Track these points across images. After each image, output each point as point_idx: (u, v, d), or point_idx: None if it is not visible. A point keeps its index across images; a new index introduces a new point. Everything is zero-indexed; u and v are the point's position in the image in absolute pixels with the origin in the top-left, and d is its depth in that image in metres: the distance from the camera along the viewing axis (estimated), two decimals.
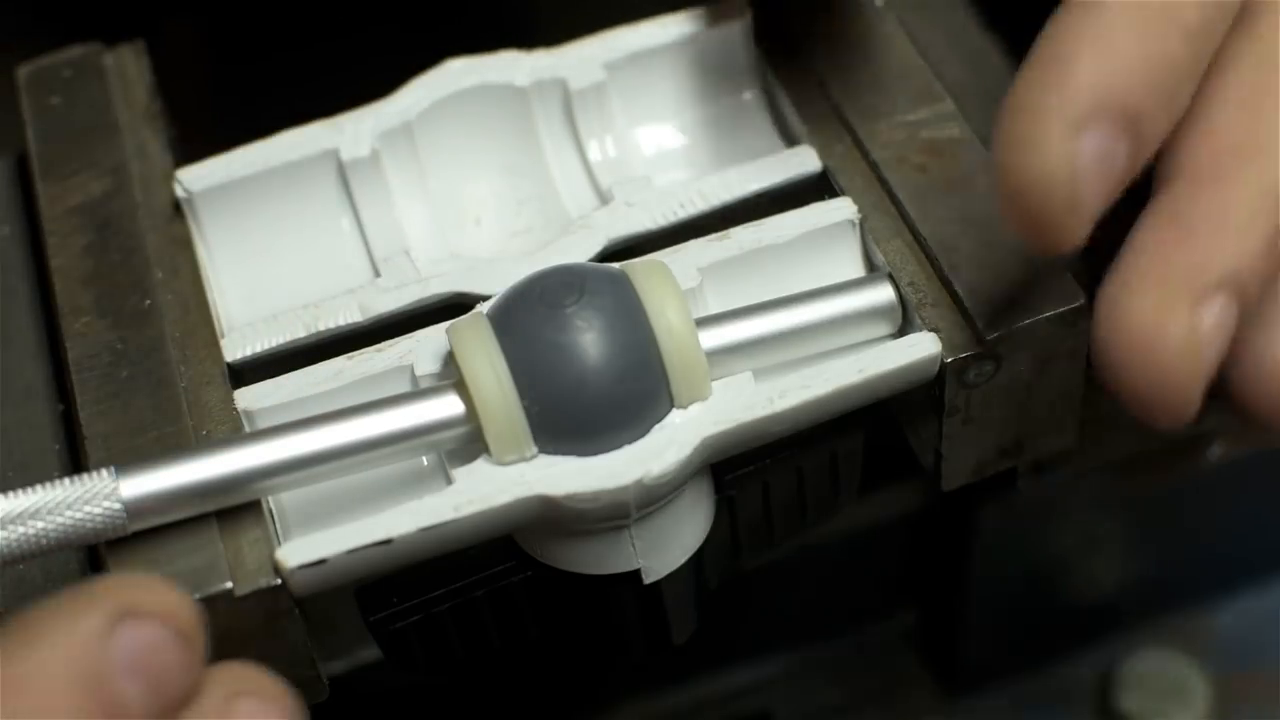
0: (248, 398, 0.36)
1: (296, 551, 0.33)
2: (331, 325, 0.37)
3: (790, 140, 0.40)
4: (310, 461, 0.34)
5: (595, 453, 0.34)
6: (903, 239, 0.37)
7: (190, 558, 0.33)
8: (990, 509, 0.45)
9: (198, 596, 0.32)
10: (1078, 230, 0.30)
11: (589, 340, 0.34)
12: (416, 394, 0.35)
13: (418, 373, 0.36)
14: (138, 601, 0.29)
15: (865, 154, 0.38)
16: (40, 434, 0.37)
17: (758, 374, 0.35)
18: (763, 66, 0.41)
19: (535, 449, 0.34)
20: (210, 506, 0.33)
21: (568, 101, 0.40)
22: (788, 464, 0.37)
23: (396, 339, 0.36)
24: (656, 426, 0.34)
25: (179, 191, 0.39)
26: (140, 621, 0.28)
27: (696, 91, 0.41)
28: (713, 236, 0.38)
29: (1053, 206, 0.30)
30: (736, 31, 0.40)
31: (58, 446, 0.37)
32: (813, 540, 0.42)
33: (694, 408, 0.35)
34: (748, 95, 0.41)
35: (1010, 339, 0.35)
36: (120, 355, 0.36)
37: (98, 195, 0.39)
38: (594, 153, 0.40)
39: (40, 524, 0.32)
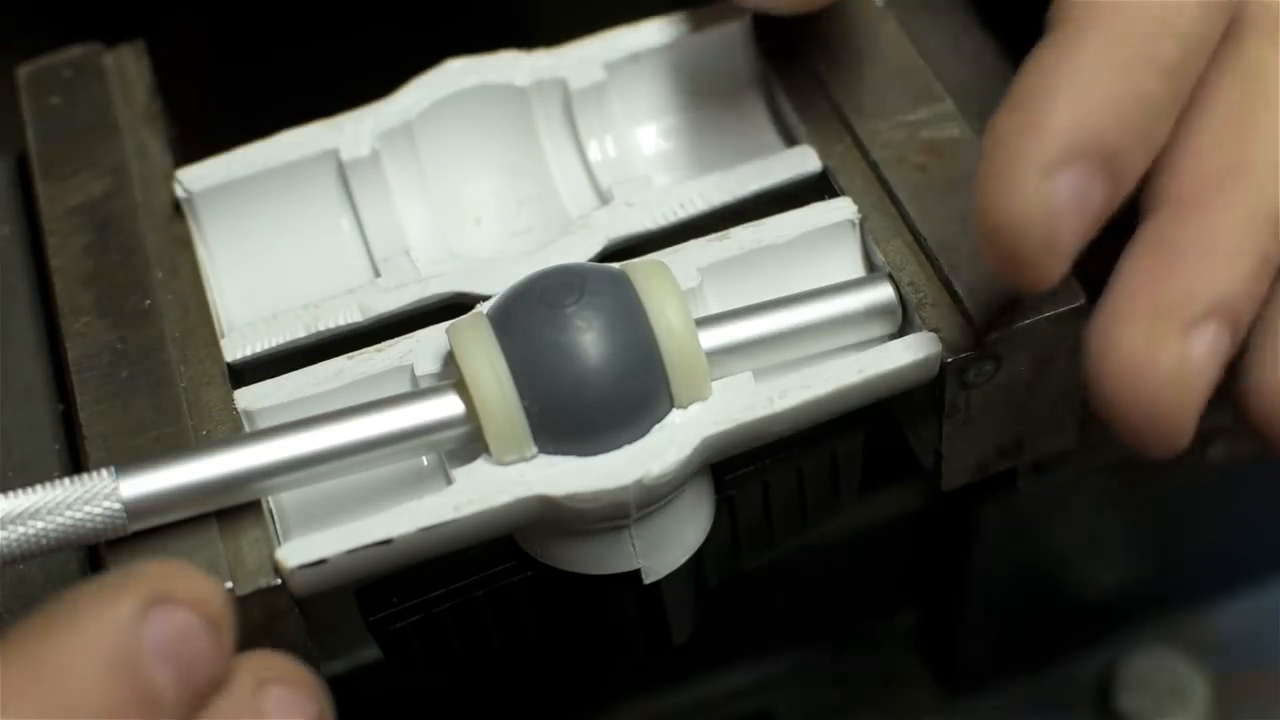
0: (248, 398, 0.36)
1: (296, 551, 0.33)
2: (331, 325, 0.37)
3: (790, 140, 0.40)
4: (310, 461, 0.34)
5: (595, 453, 0.34)
6: (903, 239, 0.37)
7: (190, 558, 0.33)
8: (990, 509, 0.45)
9: None
10: (1055, 269, 0.30)
11: (589, 340, 0.34)
12: (416, 394, 0.35)
13: (418, 373, 0.36)
14: (169, 589, 0.29)
15: (865, 154, 0.38)
16: (40, 434, 0.37)
17: (758, 374, 0.35)
18: (763, 66, 0.41)
19: (535, 449, 0.34)
20: (210, 506, 0.34)
21: (568, 101, 0.40)
22: (788, 464, 0.37)
23: (396, 339, 0.36)
24: (656, 426, 0.34)
25: (179, 191, 0.39)
26: (172, 608, 0.29)
27: (696, 91, 0.41)
28: (713, 236, 0.37)
29: (1029, 246, 0.30)
30: (736, 31, 0.40)
31: (58, 446, 0.37)
32: (813, 540, 0.42)
33: (694, 408, 0.35)
34: (748, 95, 0.41)
35: (1010, 339, 0.35)
36: (120, 355, 0.36)
37: (98, 195, 0.39)
38: (594, 153, 0.40)
39: (40, 524, 0.32)
